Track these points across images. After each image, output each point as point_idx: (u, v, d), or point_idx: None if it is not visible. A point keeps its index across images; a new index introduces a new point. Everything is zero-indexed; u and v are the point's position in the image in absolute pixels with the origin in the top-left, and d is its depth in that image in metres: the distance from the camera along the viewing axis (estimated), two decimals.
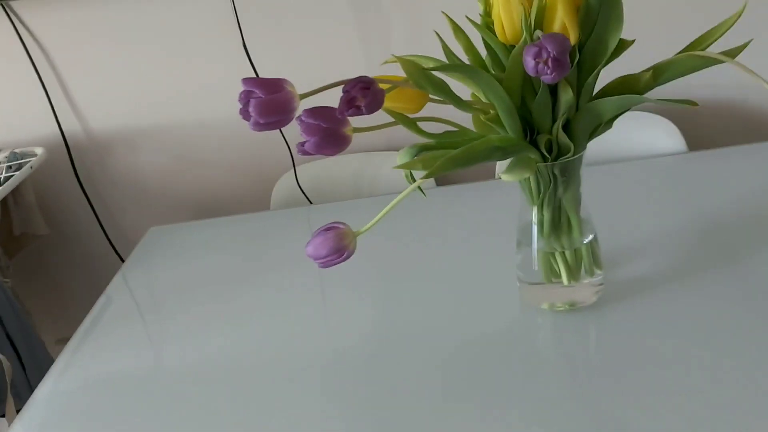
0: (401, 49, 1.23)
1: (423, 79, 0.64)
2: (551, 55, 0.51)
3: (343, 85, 0.60)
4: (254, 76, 1.26)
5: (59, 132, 1.35)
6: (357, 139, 1.37)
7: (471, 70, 0.63)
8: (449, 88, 0.65)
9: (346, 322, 0.88)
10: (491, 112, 0.68)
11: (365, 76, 0.60)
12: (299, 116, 0.60)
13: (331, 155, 0.63)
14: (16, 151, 1.26)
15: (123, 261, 1.42)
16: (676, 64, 0.66)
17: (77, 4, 1.25)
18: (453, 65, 0.64)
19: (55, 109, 1.33)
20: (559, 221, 0.76)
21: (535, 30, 0.62)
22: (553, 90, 0.66)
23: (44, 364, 1.20)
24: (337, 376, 0.79)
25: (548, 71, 0.52)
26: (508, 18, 0.64)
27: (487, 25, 0.68)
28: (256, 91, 0.57)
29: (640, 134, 1.21)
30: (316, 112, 0.60)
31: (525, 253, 0.80)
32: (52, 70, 1.31)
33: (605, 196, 1.00)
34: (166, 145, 1.37)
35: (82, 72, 1.32)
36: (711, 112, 1.27)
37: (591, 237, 0.77)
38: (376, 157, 1.28)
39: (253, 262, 1.07)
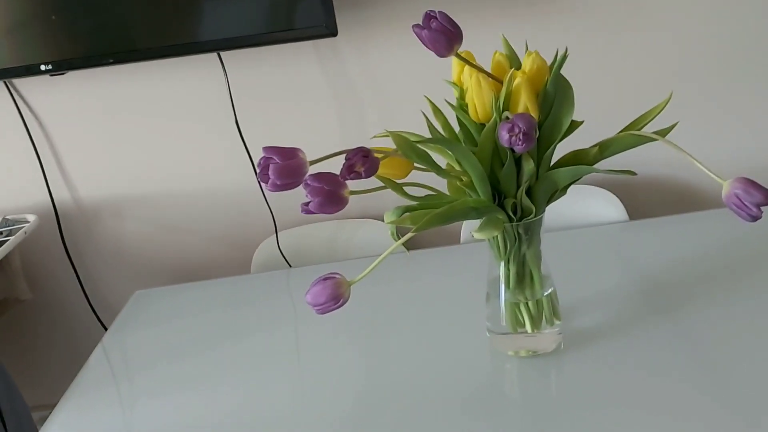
0: (374, 128, 1.36)
1: (410, 150, 0.76)
2: (522, 129, 0.64)
3: (345, 154, 0.71)
4: (245, 150, 1.37)
5: (49, 199, 1.42)
6: None
7: (450, 143, 0.75)
8: (431, 158, 0.77)
9: (323, 381, 0.94)
10: (465, 178, 0.79)
11: (364, 147, 0.72)
12: (305, 180, 0.71)
13: (331, 214, 0.73)
14: (8, 217, 1.32)
15: (105, 328, 1.47)
16: (618, 141, 0.80)
17: (72, 78, 1.34)
18: (436, 139, 0.76)
19: (47, 178, 1.41)
20: (523, 275, 0.87)
21: (503, 111, 0.75)
22: (518, 161, 0.79)
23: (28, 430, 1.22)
24: None
25: (519, 143, 0.64)
26: (480, 101, 0.76)
27: (461, 107, 0.81)
28: (275, 157, 0.68)
29: (587, 205, 1.36)
30: (320, 176, 0.71)
31: (493, 305, 0.90)
32: (47, 139, 1.39)
33: (561, 258, 1.12)
34: (151, 214, 1.45)
35: (75, 142, 1.40)
36: (647, 185, 1.43)
37: (551, 290, 0.89)
38: (350, 224, 1.39)
39: (235, 324, 1.13)
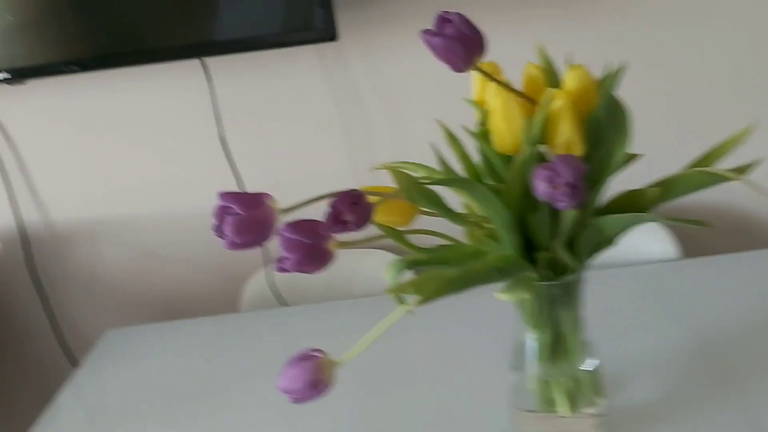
0: (386, 149, 1.19)
1: (415, 191, 0.59)
2: (567, 180, 0.46)
3: (329, 199, 0.54)
4: (230, 171, 1.20)
5: (14, 222, 1.26)
6: None
7: (469, 184, 0.58)
8: (442, 201, 0.60)
9: None
10: (487, 226, 0.62)
11: (354, 190, 0.55)
12: (279, 231, 0.54)
13: (312, 273, 0.57)
14: None
15: (76, 365, 1.31)
16: (685, 181, 0.62)
17: (42, 90, 1.19)
18: (450, 179, 0.58)
19: (13, 198, 1.25)
20: (558, 345, 0.69)
21: (538, 144, 0.58)
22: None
23: None
24: None
25: (564, 198, 0.46)
26: (508, 128, 0.59)
27: (483, 134, 0.63)
28: (234, 207, 0.51)
29: (629, 237, 1.17)
30: (297, 227, 0.54)
31: (518, 376, 0.73)
32: (13, 155, 1.24)
33: (596, 307, 0.95)
34: (129, 239, 1.29)
35: (45, 158, 1.25)
36: (703, 214, 1.24)
37: (593, 363, 0.71)
38: (353, 254, 1.22)
39: (218, 371, 0.98)
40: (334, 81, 1.15)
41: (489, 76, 0.59)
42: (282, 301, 1.20)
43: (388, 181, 1.21)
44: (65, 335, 1.33)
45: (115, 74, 1.16)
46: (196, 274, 1.30)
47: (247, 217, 0.51)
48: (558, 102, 0.57)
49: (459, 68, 0.57)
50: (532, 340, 0.70)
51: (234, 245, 0.52)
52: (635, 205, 0.63)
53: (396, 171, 0.58)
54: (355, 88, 1.15)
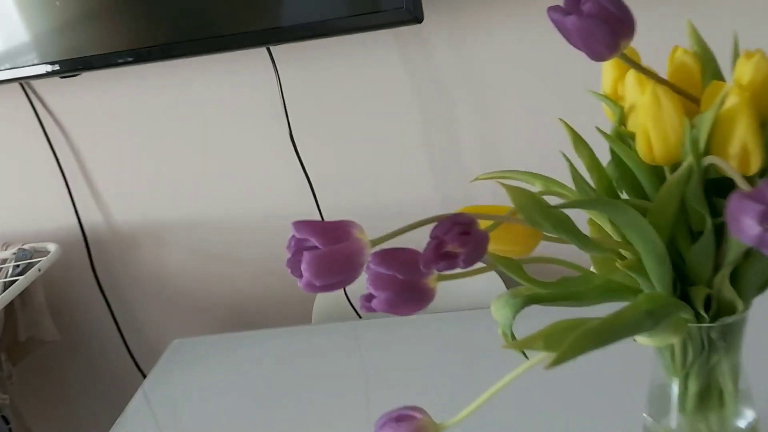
0: (474, 150, 1.06)
1: (538, 212, 0.46)
2: None
3: (431, 225, 0.43)
4: (301, 169, 1.09)
5: (77, 224, 1.20)
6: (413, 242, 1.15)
7: (613, 207, 0.45)
8: (573, 225, 0.47)
9: None
10: (629, 255, 0.49)
11: (463, 215, 0.43)
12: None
13: (405, 315, 0.45)
14: (26, 247, 1.11)
15: (144, 375, 1.25)
16: None
17: (103, 85, 1.11)
18: (587, 200, 0.46)
19: (74, 199, 1.19)
20: (710, 395, 0.56)
21: (705, 154, 0.44)
22: (718, 229, 0.48)
23: None
24: None
25: None
26: (659, 131, 0.46)
27: (620, 137, 0.50)
28: (312, 239, 0.40)
29: None
30: (390, 258, 0.42)
31: (656, 427, 0.60)
32: (73, 155, 1.17)
33: (754, 348, 0.80)
34: (195, 242, 1.21)
35: (106, 158, 1.18)
36: None
37: (750, 416, 0.57)
38: None
39: (288, 387, 0.91)
40: (414, 71, 1.02)
41: (635, 65, 0.46)
42: (356, 312, 1.10)
43: (481, 192, 1.07)
44: (132, 343, 1.26)
45: (175, 66, 1.07)
46: (265, 280, 1.20)
47: (328, 252, 0.40)
48: (733, 99, 0.43)
49: (601, 55, 0.44)
50: (676, 388, 0.57)
51: (312, 287, 0.40)
52: None
53: (511, 188, 0.45)
54: (438, 79, 1.02)
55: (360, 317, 1.05)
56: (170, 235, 1.21)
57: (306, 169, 1.08)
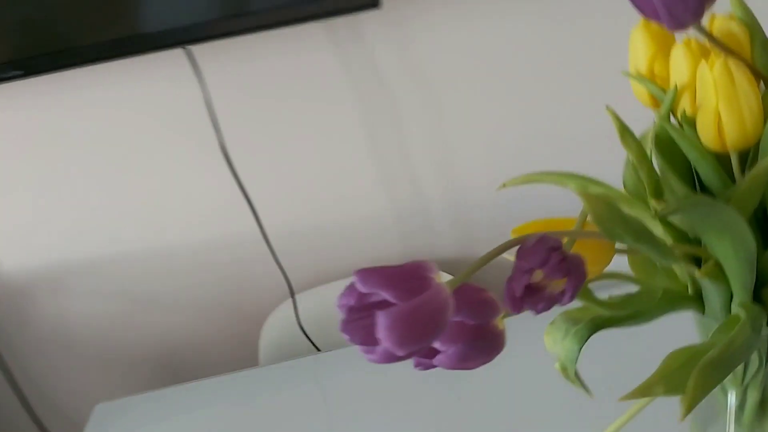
0: (420, 147, 0.97)
1: (619, 225, 0.38)
2: None
3: (516, 250, 0.34)
4: (238, 187, 0.95)
5: None
6: (367, 252, 1.04)
7: (714, 207, 0.38)
8: (652, 235, 0.40)
9: None
10: (710, 263, 0.42)
11: (549, 237, 0.34)
12: None
13: (474, 368, 0.36)
14: None
15: None
16: None
17: None
18: (691, 201, 0.38)
19: None
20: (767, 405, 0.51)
21: None
22: None
23: None
24: None
25: None
26: (733, 112, 0.40)
27: (681, 122, 0.44)
28: (383, 292, 0.30)
29: None
30: (464, 299, 0.33)
31: None
32: None
33: None
34: (107, 284, 1.05)
35: None
36: None
37: None
38: None
39: None
40: (350, 65, 0.92)
41: (712, 38, 0.39)
42: (313, 345, 0.98)
43: (436, 201, 0.98)
44: (45, 416, 1.08)
45: (71, 77, 0.90)
46: (198, 320, 1.06)
47: (412, 309, 0.30)
48: None
49: (684, 22, 0.37)
50: (734, 399, 0.51)
51: (390, 358, 0.31)
52: None
53: (590, 196, 0.37)
54: (381, 77, 0.92)
55: (318, 350, 0.94)
56: (74, 280, 1.04)
57: (242, 183, 0.94)
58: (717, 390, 0.54)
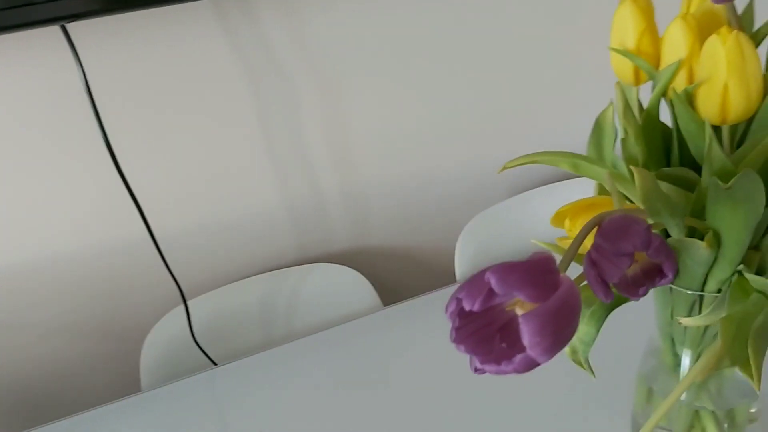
0: (317, 130, 0.90)
1: (660, 201, 0.37)
2: None
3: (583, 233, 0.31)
4: (123, 183, 0.80)
5: None
6: (261, 249, 0.95)
7: (750, 177, 0.38)
8: (683, 210, 0.39)
9: None
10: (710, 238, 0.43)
11: (641, 219, 0.32)
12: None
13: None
14: None
15: None
16: None
17: None
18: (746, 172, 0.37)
19: None
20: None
21: None
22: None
23: None
24: None
25: None
26: (741, 85, 0.40)
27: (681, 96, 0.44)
28: (520, 294, 0.26)
29: None
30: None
31: (652, 395, 0.57)
32: None
33: None
34: None
35: None
36: None
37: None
38: (291, 274, 0.93)
39: None
40: (242, 50, 0.82)
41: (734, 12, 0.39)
42: (209, 359, 0.87)
43: (332, 192, 0.92)
44: None
45: None
46: (67, 344, 0.90)
47: (555, 310, 0.26)
48: None
49: None
50: (688, 360, 0.53)
51: (531, 366, 0.26)
52: None
53: (641, 172, 0.36)
54: (270, 54, 0.84)
55: (215, 364, 0.83)
56: None
57: (125, 176, 0.78)
58: (666, 349, 0.56)
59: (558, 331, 0.25)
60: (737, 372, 0.51)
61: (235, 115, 0.85)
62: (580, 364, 0.44)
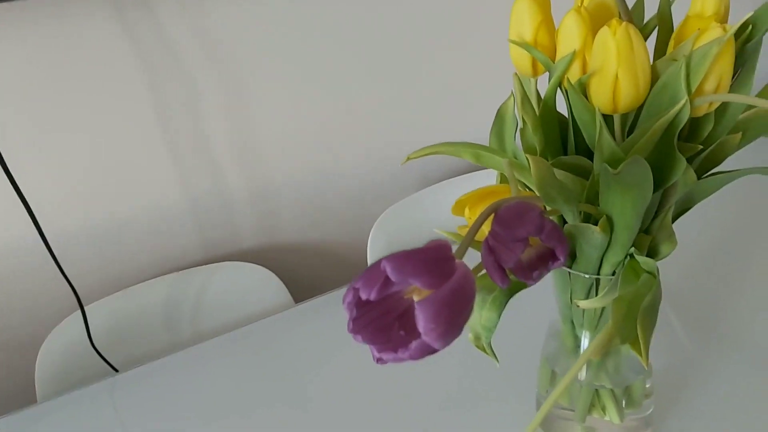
0: (219, 125, 0.87)
1: (555, 188, 0.38)
2: None
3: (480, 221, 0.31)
4: (9, 181, 0.75)
5: None
6: (163, 249, 0.92)
7: (639, 163, 0.39)
8: (576, 197, 0.41)
9: None
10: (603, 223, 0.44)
11: (536, 205, 0.32)
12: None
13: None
14: None
15: None
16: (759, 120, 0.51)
17: None
18: (635, 159, 0.38)
19: None
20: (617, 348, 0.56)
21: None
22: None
23: None
24: None
25: None
26: (630, 75, 0.42)
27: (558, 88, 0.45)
28: (416, 281, 0.25)
29: None
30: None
31: (553, 370, 0.59)
32: None
33: None
34: None
35: None
36: None
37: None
38: (197, 274, 0.90)
39: None
40: (140, 41, 0.79)
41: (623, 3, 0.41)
42: (110, 365, 0.83)
43: (237, 186, 0.89)
44: None
45: None
46: None
47: (448, 296, 0.26)
48: (715, 33, 0.41)
49: None
50: (587, 341, 0.55)
51: (427, 352, 0.26)
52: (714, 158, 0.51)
53: (536, 161, 0.36)
54: (169, 48, 0.81)
55: (116, 371, 0.79)
56: None
57: (14, 178, 0.74)
58: (566, 332, 0.58)
59: (453, 317, 0.25)
60: (632, 351, 0.54)
61: (131, 110, 0.81)
62: (483, 350, 0.45)
